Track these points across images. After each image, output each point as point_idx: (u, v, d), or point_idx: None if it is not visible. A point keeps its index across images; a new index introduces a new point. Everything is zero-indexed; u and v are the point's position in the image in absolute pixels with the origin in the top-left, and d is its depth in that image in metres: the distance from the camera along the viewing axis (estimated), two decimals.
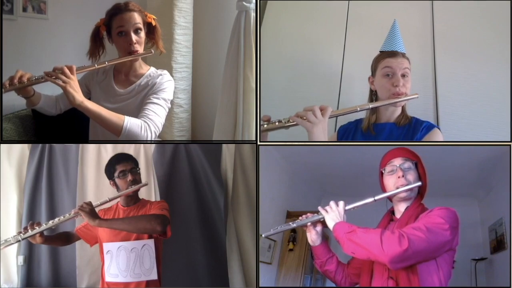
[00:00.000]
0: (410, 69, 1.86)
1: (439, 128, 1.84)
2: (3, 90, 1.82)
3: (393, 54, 1.86)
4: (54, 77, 1.77)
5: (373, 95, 1.92)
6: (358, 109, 1.81)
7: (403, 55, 1.87)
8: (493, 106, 2.05)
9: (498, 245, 2.47)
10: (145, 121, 1.83)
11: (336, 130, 2.03)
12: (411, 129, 1.85)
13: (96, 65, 1.92)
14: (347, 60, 2.26)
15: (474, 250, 2.63)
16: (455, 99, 2.09)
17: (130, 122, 1.80)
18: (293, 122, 1.73)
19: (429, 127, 1.83)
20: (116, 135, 1.79)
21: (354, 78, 2.23)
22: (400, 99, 1.82)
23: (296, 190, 2.62)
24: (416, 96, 1.85)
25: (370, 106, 1.84)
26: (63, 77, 1.76)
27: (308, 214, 1.65)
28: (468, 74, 2.10)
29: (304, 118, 1.70)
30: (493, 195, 2.53)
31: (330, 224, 1.54)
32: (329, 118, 1.73)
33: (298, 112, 1.73)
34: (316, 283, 2.80)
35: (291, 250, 2.67)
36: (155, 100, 1.91)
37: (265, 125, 1.77)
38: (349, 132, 1.98)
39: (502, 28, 2.04)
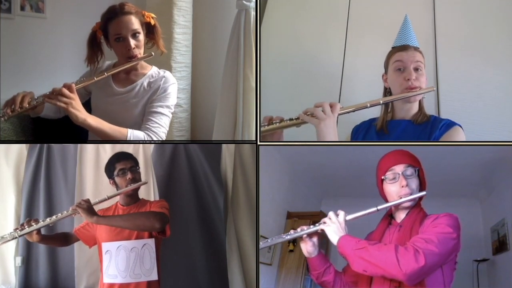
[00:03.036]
0: (424, 63, 1.81)
1: (460, 126, 1.78)
2: (5, 117, 1.82)
3: (404, 47, 1.82)
4: (54, 99, 1.78)
5: (387, 93, 1.87)
6: (368, 105, 1.76)
7: (416, 48, 1.82)
8: (495, 105, 2.03)
9: (500, 246, 2.45)
10: (148, 134, 1.86)
11: (351, 130, 1.99)
12: (429, 128, 1.79)
13: (95, 77, 1.91)
14: (348, 58, 2.25)
15: (475, 251, 2.61)
16: (457, 98, 2.07)
17: (132, 137, 1.83)
18: (302, 120, 1.71)
19: (448, 124, 1.78)
20: None
21: (355, 76, 2.22)
22: (413, 93, 1.76)
23: (296, 190, 2.60)
24: (432, 89, 1.80)
25: (381, 101, 1.79)
26: (64, 99, 1.77)
27: (303, 226, 1.59)
28: (470, 73, 2.09)
29: (312, 114, 1.67)
30: (495, 196, 2.51)
31: (333, 238, 1.49)
32: (339, 115, 1.70)
33: (307, 108, 1.71)
34: (317, 284, 2.78)
35: (291, 251, 2.65)
36: (159, 109, 1.91)
37: (277, 123, 1.75)
38: (361, 131, 1.93)
39: (506, 26, 2.03)
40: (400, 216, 1.56)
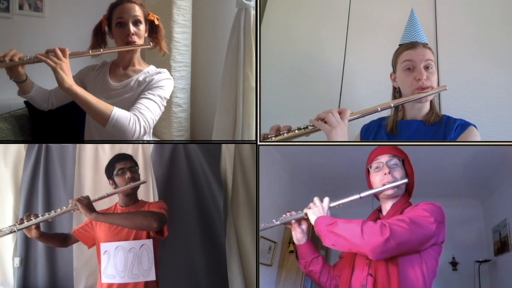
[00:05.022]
0: (434, 60, 1.75)
1: (475, 126, 1.74)
2: None
3: (412, 45, 1.76)
4: (45, 57, 1.73)
5: (396, 93, 1.81)
6: (379, 109, 1.70)
7: (425, 45, 1.77)
8: (497, 105, 2.02)
9: (502, 247, 2.44)
10: (135, 114, 1.80)
11: (360, 129, 1.95)
12: (442, 128, 1.75)
13: (90, 51, 1.89)
14: (348, 58, 2.24)
15: (477, 252, 2.61)
16: (459, 98, 2.05)
17: (118, 113, 1.76)
18: (313, 126, 1.66)
19: (463, 125, 1.73)
20: (102, 124, 1.75)
21: (355, 75, 2.21)
22: (424, 94, 1.71)
23: (296, 190, 2.59)
24: (445, 88, 1.75)
25: (392, 104, 1.73)
26: (54, 59, 1.73)
27: (293, 212, 1.63)
28: (472, 72, 2.08)
29: (324, 120, 1.63)
30: (497, 196, 2.50)
31: (312, 218, 1.53)
32: (349, 121, 1.65)
33: (319, 114, 1.66)
34: (317, 285, 2.77)
35: (291, 251, 2.64)
36: (149, 96, 1.87)
37: (285, 134, 1.70)
38: (371, 131, 1.89)
39: (508, 25, 2.01)
40: (386, 209, 1.57)
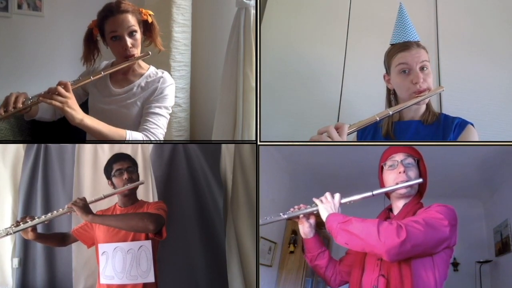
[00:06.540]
0: (429, 59, 1.71)
1: (472, 124, 1.72)
2: None
3: (406, 46, 1.71)
4: (49, 99, 1.73)
5: (391, 95, 1.78)
6: (378, 118, 1.66)
7: (418, 44, 1.72)
8: (498, 105, 2.01)
9: (503, 247, 2.44)
10: (146, 135, 1.84)
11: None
12: (441, 127, 1.73)
13: (91, 77, 1.87)
14: (349, 58, 2.23)
15: (478, 253, 2.60)
16: (459, 98, 2.05)
17: (131, 138, 1.80)
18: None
19: (461, 124, 1.71)
20: None
21: (356, 76, 2.20)
22: (422, 98, 1.68)
23: (297, 191, 2.58)
24: (442, 89, 1.73)
25: (390, 112, 1.68)
26: (59, 98, 1.73)
27: (301, 205, 1.61)
28: (472, 72, 2.07)
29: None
30: (498, 197, 2.49)
31: (324, 214, 1.50)
32: (348, 134, 1.62)
33: (312, 136, 1.63)
34: (318, 286, 2.76)
35: (291, 252, 2.63)
36: (156, 110, 1.89)
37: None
38: (368, 133, 1.86)
39: (507, 25, 2.00)
40: (398, 208, 1.55)
